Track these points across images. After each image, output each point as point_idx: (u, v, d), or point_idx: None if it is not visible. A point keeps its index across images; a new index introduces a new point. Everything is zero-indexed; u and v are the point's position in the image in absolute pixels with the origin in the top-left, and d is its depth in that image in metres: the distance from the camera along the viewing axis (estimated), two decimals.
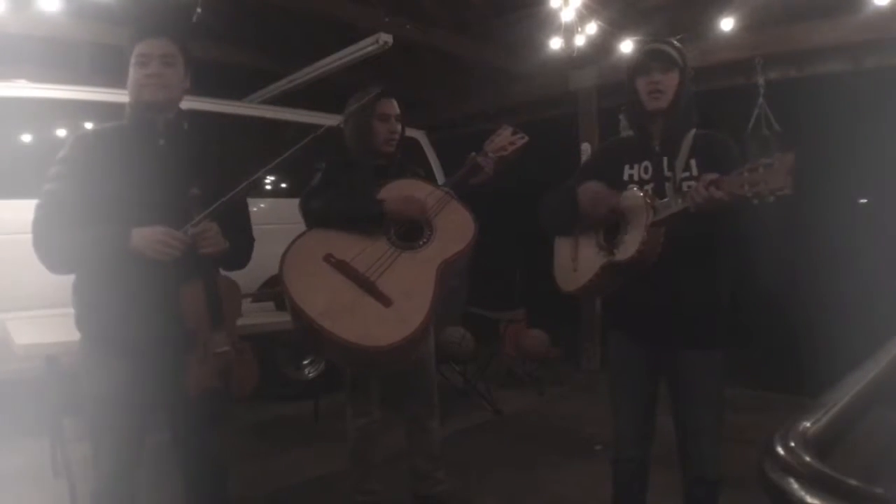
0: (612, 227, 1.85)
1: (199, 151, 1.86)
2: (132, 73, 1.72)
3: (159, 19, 1.82)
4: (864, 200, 4.87)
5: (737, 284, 1.94)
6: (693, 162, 1.83)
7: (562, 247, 2.07)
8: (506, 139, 2.30)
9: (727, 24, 4.13)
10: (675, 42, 1.89)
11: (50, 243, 1.63)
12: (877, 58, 3.97)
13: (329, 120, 2.75)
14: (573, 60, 4.67)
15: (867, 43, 3.90)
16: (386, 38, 4.11)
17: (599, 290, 2.01)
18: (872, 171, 4.24)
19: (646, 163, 1.89)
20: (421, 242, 2.10)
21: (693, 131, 1.88)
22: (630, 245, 1.75)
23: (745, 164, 1.55)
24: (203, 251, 1.68)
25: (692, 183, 1.78)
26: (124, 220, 1.62)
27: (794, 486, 0.60)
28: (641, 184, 1.87)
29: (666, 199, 1.74)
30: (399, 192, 2.18)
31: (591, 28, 4.18)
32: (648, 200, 1.74)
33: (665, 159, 1.86)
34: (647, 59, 1.85)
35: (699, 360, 1.85)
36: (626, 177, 1.91)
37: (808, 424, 0.70)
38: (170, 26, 1.79)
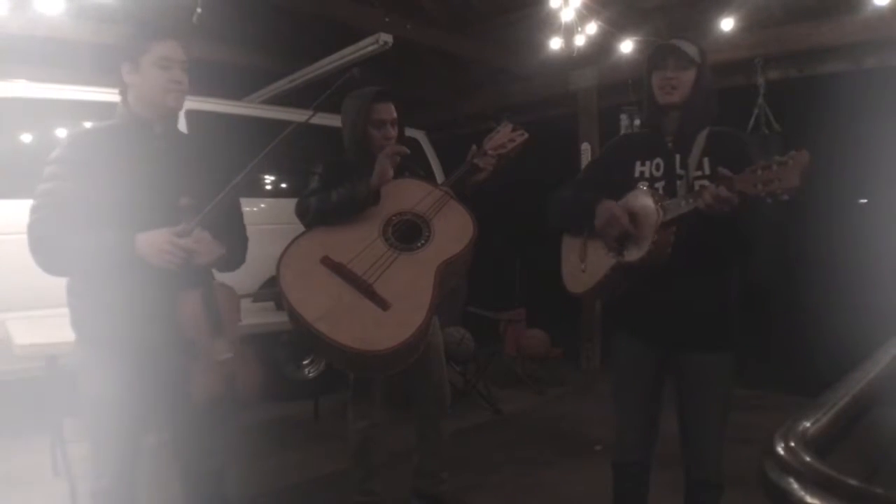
0: None
1: (195, 152, 1.85)
2: (153, 74, 1.67)
3: (174, 22, 1.79)
4: (864, 200, 4.87)
5: (741, 285, 1.93)
6: (706, 160, 1.80)
7: (570, 248, 2.04)
8: (505, 136, 2.27)
9: (727, 24, 4.13)
10: (695, 41, 1.87)
11: (50, 247, 1.59)
12: (877, 58, 3.97)
13: (327, 119, 2.75)
14: (573, 60, 4.66)
15: (867, 43, 3.90)
16: (386, 38, 4.10)
17: (609, 291, 1.97)
18: (872, 171, 4.23)
19: (658, 160, 1.86)
20: (419, 243, 2.08)
21: (707, 129, 1.85)
22: (640, 246, 1.73)
23: (758, 162, 1.54)
24: (198, 261, 1.65)
25: (705, 182, 1.75)
26: (122, 222, 1.60)
27: (794, 486, 0.60)
28: (652, 181, 1.85)
29: (675, 199, 1.71)
30: (395, 189, 2.18)
31: (591, 28, 4.18)
32: (657, 200, 1.72)
33: (678, 157, 1.84)
34: (664, 55, 1.82)
35: (708, 363, 1.83)
36: (636, 174, 1.88)
37: (808, 424, 0.70)
38: (181, 31, 1.75)
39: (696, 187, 1.76)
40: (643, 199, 1.76)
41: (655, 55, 1.85)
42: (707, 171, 1.79)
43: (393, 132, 2.35)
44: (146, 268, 1.60)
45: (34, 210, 1.61)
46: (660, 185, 1.83)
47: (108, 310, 1.65)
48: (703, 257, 1.76)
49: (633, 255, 1.75)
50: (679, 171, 1.83)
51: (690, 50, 1.81)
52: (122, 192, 1.63)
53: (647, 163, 1.87)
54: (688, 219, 1.66)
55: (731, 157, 1.77)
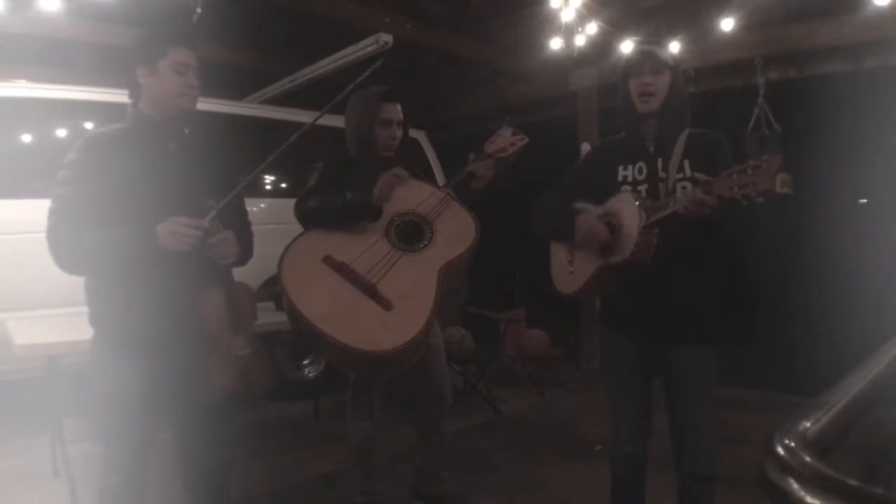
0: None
1: (206, 153, 1.87)
2: (170, 78, 1.70)
3: (187, 29, 1.82)
4: (864, 200, 4.87)
5: (737, 283, 1.95)
6: (686, 163, 1.85)
7: (557, 250, 2.09)
8: (506, 140, 2.29)
9: (727, 24, 4.13)
10: (668, 43, 1.91)
11: (71, 246, 1.60)
12: (877, 58, 3.97)
13: (329, 120, 2.74)
14: (573, 60, 4.67)
15: (867, 43, 3.91)
16: (386, 38, 4.10)
17: (597, 292, 2.03)
18: (872, 171, 4.23)
19: (640, 164, 1.91)
20: (422, 245, 2.08)
21: (686, 131, 1.90)
22: (624, 248, 1.78)
23: (737, 163, 1.58)
24: (223, 262, 1.70)
25: (685, 184, 1.81)
26: (139, 222, 1.61)
27: (794, 486, 0.60)
28: (635, 185, 1.90)
29: (656, 203, 1.77)
30: (397, 189, 2.18)
31: (591, 28, 4.18)
32: (639, 203, 1.77)
33: (659, 160, 1.89)
34: (639, 61, 1.87)
35: (693, 357, 1.87)
36: (619, 178, 1.93)
37: (808, 424, 0.70)
38: (193, 38, 1.79)
39: (678, 189, 1.81)
40: (626, 203, 1.81)
41: (630, 61, 1.90)
42: (688, 174, 1.84)
43: (399, 132, 2.36)
44: (168, 264, 1.61)
45: (51, 213, 1.62)
46: (642, 187, 1.88)
47: (129, 307, 1.65)
48: (685, 255, 1.80)
49: (617, 257, 1.80)
50: (661, 174, 1.88)
51: (664, 54, 1.86)
52: (138, 193, 1.64)
53: (630, 167, 1.92)
54: (670, 220, 1.71)
55: (709, 157, 1.83)
